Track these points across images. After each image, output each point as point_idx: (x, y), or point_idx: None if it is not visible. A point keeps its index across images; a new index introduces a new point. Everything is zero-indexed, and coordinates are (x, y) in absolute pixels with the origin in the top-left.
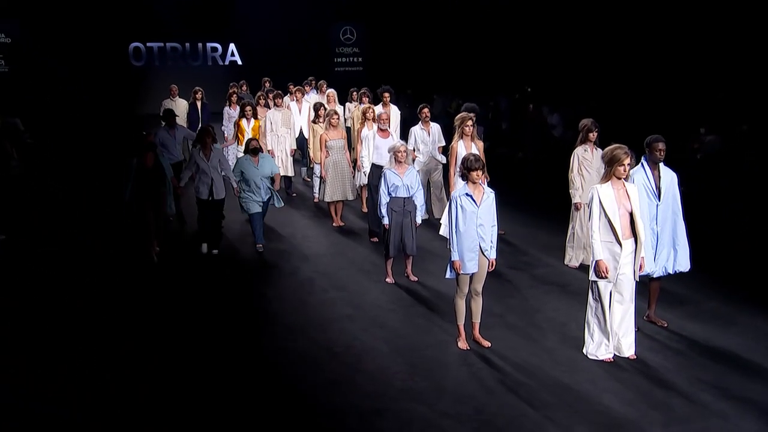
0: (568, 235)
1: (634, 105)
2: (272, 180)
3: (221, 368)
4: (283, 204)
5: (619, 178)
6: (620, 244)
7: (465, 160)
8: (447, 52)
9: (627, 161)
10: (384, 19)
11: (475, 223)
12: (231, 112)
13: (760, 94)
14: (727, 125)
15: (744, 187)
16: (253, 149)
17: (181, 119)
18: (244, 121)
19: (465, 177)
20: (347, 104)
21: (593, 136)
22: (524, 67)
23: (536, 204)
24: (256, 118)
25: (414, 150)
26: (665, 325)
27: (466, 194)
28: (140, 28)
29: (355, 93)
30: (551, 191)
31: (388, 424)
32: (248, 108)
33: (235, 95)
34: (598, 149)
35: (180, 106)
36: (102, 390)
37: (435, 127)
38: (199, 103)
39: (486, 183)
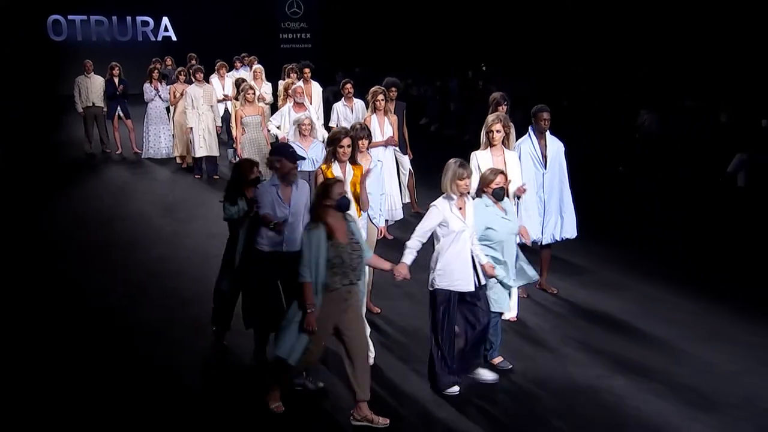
0: None
1: (578, 82)
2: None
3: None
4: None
5: (494, 145)
6: None
7: (351, 128)
8: (401, 29)
9: (496, 127)
10: None
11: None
12: (150, 90)
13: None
14: (669, 102)
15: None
16: (498, 189)
17: (98, 97)
18: (335, 169)
19: None
20: (280, 81)
21: (503, 109)
22: (478, 45)
23: None
24: (355, 163)
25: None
26: (555, 291)
27: None
28: None
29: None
30: None
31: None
32: (345, 140)
33: (156, 71)
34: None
35: (96, 83)
36: None
37: (359, 104)
38: (116, 80)
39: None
